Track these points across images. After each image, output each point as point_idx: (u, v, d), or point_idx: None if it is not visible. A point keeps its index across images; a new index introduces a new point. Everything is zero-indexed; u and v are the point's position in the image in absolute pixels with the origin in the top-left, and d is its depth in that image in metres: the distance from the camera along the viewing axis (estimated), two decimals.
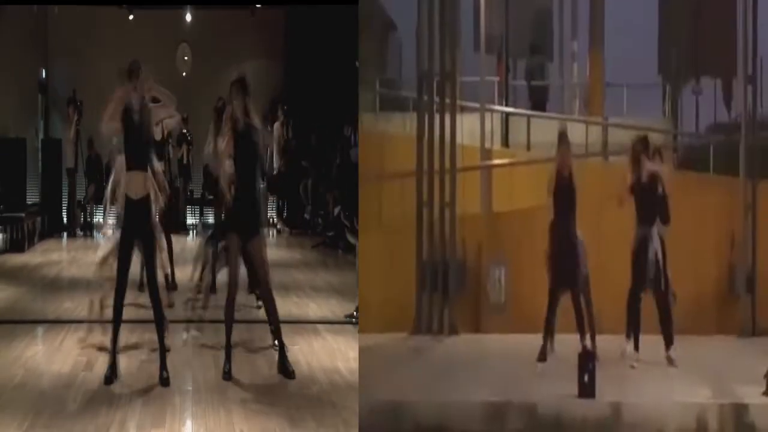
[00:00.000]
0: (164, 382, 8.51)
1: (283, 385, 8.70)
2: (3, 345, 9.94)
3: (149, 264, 8.70)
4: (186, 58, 20.99)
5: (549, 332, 9.61)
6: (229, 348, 8.92)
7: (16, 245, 16.97)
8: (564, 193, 9.56)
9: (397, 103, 14.41)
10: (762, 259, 11.62)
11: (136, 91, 8.42)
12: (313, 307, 12.35)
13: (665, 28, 15.15)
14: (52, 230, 19.81)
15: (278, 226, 20.98)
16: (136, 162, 8.47)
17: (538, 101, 15.04)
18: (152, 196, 8.52)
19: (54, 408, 7.80)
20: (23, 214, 17.63)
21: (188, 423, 7.71)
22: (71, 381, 8.59)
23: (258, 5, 20.50)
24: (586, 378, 8.39)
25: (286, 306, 11.76)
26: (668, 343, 9.65)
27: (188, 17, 20.57)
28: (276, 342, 9.16)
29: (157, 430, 7.43)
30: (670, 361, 9.59)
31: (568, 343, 9.47)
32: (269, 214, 20.89)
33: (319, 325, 11.15)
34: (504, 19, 14.60)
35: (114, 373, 8.56)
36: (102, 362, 8.90)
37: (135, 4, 19.65)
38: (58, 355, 9.47)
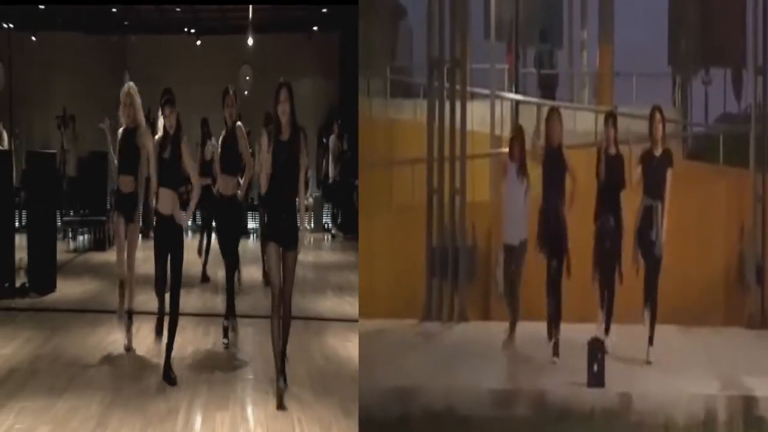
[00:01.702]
0: (171, 381, 8.93)
1: (336, 379, 9.26)
2: (88, 331, 11.21)
3: (176, 272, 9.11)
4: (247, 78, 22.96)
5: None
6: (282, 363, 8.50)
7: (99, 244, 19.02)
8: (553, 168, 9.56)
9: (407, 90, 14.39)
10: None
11: (168, 118, 8.96)
12: None
13: (675, 18, 15.09)
14: None
15: (333, 232, 22.56)
16: (167, 181, 9.01)
17: (548, 89, 15.03)
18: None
19: (131, 389, 8.79)
20: (105, 218, 19.34)
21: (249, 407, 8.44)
22: (146, 363, 9.61)
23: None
24: (595, 367, 8.41)
25: (341, 306, 13.14)
26: (652, 335, 9.42)
27: (250, 41, 22.51)
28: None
29: (221, 412, 8.17)
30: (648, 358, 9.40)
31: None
32: (324, 220, 23.25)
33: None
34: (514, 6, 14.56)
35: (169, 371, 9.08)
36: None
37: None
38: (134, 341, 10.30)
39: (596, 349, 8.45)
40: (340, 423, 7.93)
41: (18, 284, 13.53)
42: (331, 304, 13.35)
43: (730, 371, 8.97)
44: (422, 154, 11.89)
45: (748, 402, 8.11)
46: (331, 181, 22.55)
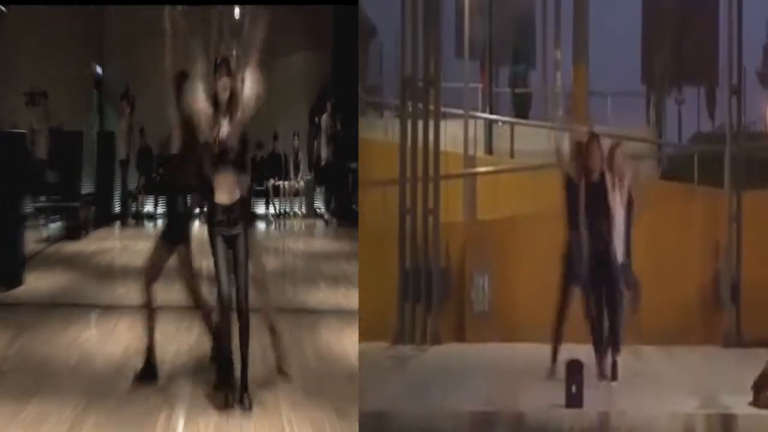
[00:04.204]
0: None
1: (326, 373, 9.06)
2: (60, 328, 10.40)
3: None
4: None
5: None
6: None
7: (72, 233, 17.96)
8: (596, 198, 9.17)
9: (378, 109, 14.31)
10: (747, 270, 11.55)
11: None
12: None
13: (649, 37, 15.11)
14: (105, 219, 20.81)
15: (325, 217, 21.34)
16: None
17: (522, 109, 14.99)
18: None
19: (107, 391, 8.08)
20: (78, 204, 18.46)
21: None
22: (124, 363, 8.75)
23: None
24: (573, 388, 8.32)
25: (335, 298, 12.72)
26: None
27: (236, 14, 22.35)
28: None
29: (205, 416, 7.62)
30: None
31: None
32: (316, 204, 22.31)
33: None
34: (487, 25, 14.52)
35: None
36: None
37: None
38: (111, 339, 9.69)
39: (574, 371, 8.37)
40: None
41: None
42: (323, 296, 12.97)
43: (707, 389, 8.89)
44: (394, 174, 11.73)
45: (727, 420, 8.05)
46: (323, 163, 21.40)
